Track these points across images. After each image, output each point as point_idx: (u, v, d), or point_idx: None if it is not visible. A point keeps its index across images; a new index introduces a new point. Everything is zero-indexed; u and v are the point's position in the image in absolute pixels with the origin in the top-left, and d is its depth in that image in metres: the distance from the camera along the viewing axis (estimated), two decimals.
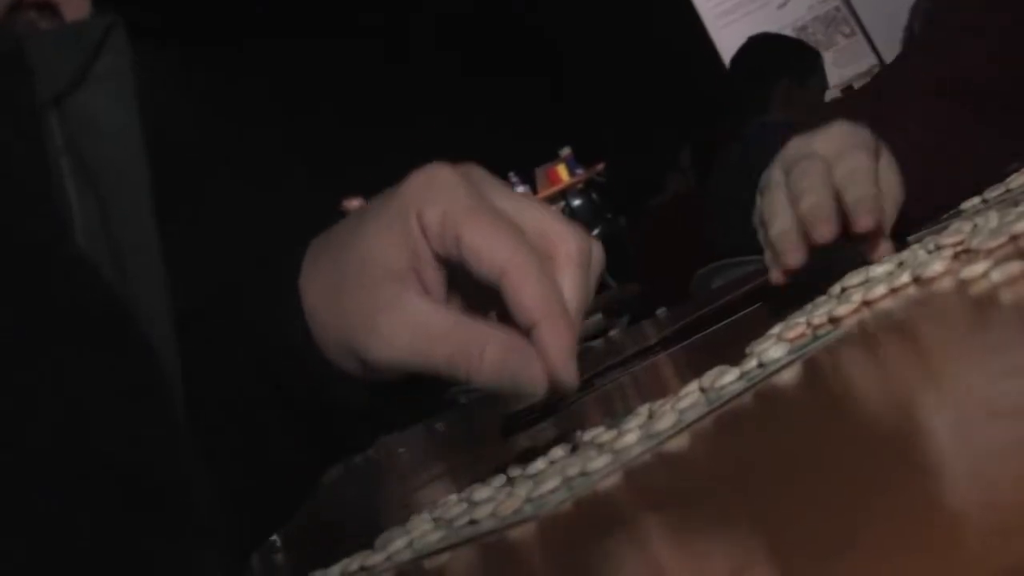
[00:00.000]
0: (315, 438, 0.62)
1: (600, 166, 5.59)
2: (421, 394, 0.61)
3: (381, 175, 0.62)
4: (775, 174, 0.79)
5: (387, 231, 0.55)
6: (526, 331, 0.52)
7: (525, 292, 0.51)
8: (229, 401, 0.61)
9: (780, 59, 2.92)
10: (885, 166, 0.77)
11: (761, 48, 3.05)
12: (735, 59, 3.07)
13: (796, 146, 0.79)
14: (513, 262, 0.51)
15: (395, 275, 0.54)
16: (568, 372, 0.51)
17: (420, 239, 0.54)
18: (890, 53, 4.52)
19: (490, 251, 0.52)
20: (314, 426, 0.62)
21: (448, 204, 0.54)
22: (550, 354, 0.51)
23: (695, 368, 0.62)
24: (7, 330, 0.41)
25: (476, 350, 0.52)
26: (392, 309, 0.54)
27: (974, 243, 0.60)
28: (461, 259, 0.53)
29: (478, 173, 0.56)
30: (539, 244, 0.54)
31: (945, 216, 0.82)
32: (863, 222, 0.70)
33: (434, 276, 0.55)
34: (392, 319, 0.54)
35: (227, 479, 0.56)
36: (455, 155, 0.60)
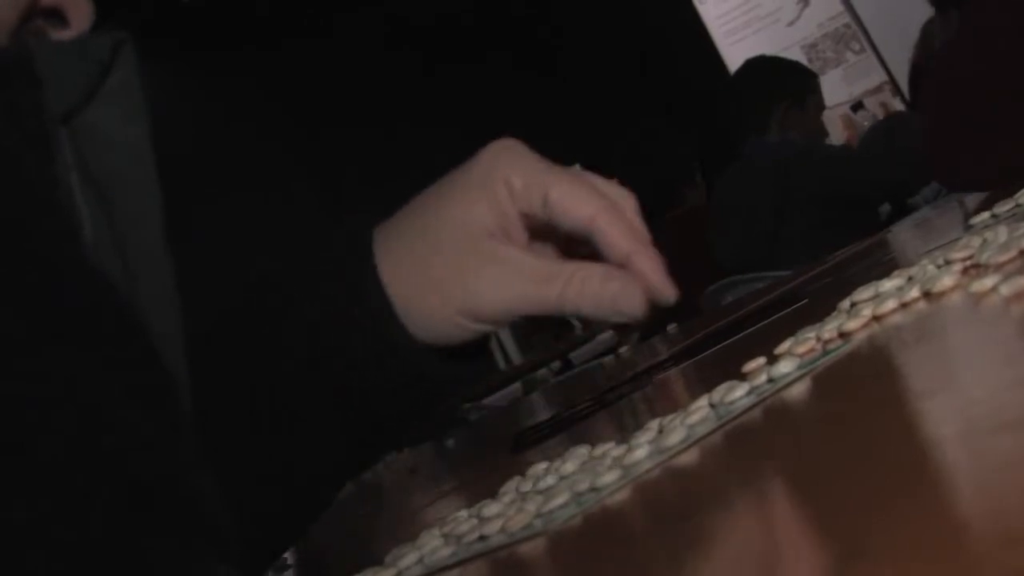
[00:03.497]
0: (370, 430, 0.65)
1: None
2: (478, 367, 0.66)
3: (383, 177, 0.63)
4: None
5: (474, 196, 0.60)
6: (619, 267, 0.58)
7: (616, 231, 0.58)
8: (285, 397, 0.63)
9: (778, 81, 2.94)
10: None
11: (760, 70, 3.06)
12: (733, 80, 3.08)
13: None
14: (600, 209, 0.58)
15: (489, 233, 0.60)
16: (667, 286, 0.58)
17: (507, 200, 0.60)
18: (899, 70, 4.52)
19: (577, 202, 0.59)
20: (373, 417, 0.64)
21: (529, 167, 0.60)
22: (648, 275, 0.58)
23: (705, 383, 0.62)
24: (16, 336, 0.41)
25: (578, 281, 0.58)
26: (495, 261, 0.59)
27: (983, 257, 0.60)
28: (549, 214, 0.59)
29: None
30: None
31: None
32: None
33: (519, 234, 0.61)
34: (498, 269, 0.59)
35: (261, 482, 0.61)
36: (459, 158, 0.62)
